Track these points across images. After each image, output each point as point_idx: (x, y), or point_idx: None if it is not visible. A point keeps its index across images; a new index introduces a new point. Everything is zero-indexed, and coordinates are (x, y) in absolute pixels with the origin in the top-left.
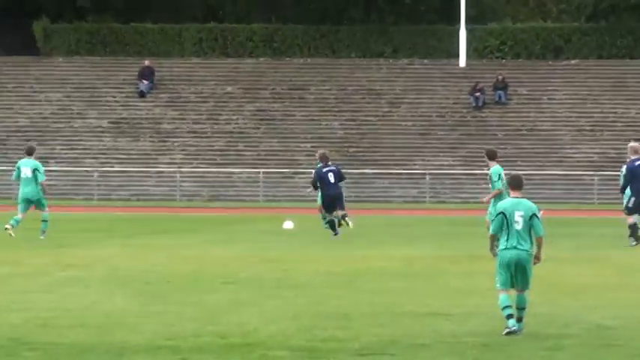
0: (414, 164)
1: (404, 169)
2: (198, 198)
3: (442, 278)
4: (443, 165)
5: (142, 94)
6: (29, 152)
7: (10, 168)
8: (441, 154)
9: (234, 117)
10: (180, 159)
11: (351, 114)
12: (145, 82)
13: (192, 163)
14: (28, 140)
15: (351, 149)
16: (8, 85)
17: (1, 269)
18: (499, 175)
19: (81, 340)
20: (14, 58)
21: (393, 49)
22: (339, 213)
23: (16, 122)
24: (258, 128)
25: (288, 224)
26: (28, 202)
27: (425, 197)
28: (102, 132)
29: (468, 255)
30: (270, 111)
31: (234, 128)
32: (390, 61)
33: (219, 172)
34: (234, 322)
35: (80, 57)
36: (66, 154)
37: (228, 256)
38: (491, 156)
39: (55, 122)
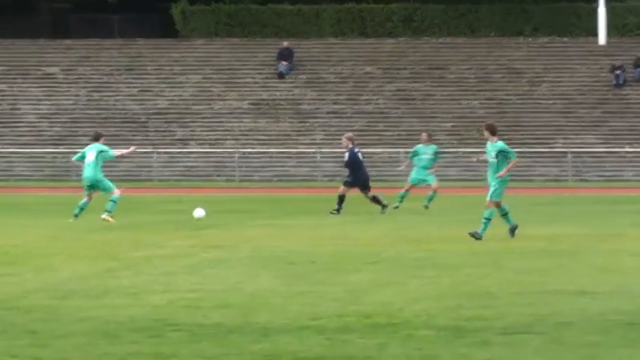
0: (555, 143)
1: (545, 148)
2: (339, 178)
3: (586, 256)
4: (584, 143)
5: (281, 76)
6: (96, 138)
7: (151, 150)
8: (583, 132)
9: (374, 97)
10: (321, 139)
11: (491, 93)
12: (284, 63)
13: (332, 144)
14: (169, 122)
15: None
16: (148, 67)
17: (144, 251)
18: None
19: (225, 320)
20: (154, 41)
21: (533, 27)
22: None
23: (156, 104)
24: (398, 108)
25: (199, 212)
26: (89, 187)
27: (567, 176)
28: (242, 113)
29: (611, 233)
30: (410, 91)
31: (374, 108)
32: (530, 39)
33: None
34: (378, 302)
35: (219, 39)
36: (207, 135)
37: (370, 236)
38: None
39: (195, 104)
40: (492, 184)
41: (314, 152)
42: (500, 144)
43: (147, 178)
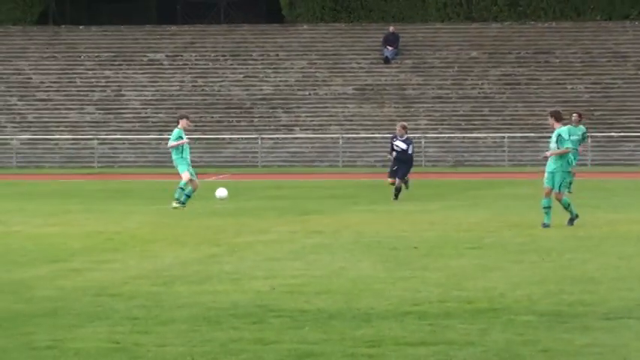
0: None
1: None
2: (443, 163)
3: None
4: None
5: (386, 60)
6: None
7: (256, 136)
8: None
9: (479, 82)
10: (425, 124)
11: (597, 77)
12: (390, 48)
13: (437, 129)
14: (273, 108)
15: (597, 112)
16: (253, 53)
17: (247, 237)
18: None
19: (327, 306)
20: (259, 27)
21: (639, 11)
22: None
23: (261, 90)
24: (503, 93)
25: (222, 192)
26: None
27: None
28: (347, 99)
29: None
30: (516, 75)
31: (479, 93)
32: (636, 23)
33: (464, 138)
34: (480, 288)
35: (324, 24)
36: (311, 121)
37: (473, 221)
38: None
39: (299, 90)
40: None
41: (418, 137)
42: (569, 128)
43: (251, 164)
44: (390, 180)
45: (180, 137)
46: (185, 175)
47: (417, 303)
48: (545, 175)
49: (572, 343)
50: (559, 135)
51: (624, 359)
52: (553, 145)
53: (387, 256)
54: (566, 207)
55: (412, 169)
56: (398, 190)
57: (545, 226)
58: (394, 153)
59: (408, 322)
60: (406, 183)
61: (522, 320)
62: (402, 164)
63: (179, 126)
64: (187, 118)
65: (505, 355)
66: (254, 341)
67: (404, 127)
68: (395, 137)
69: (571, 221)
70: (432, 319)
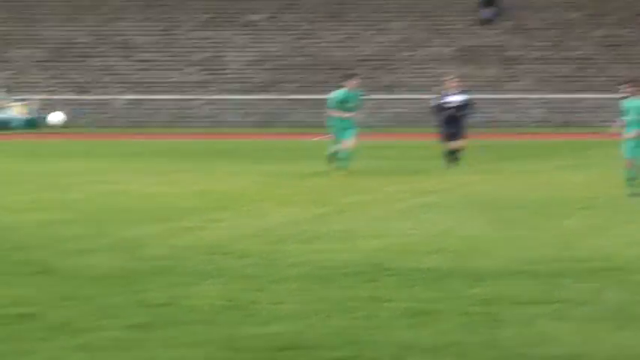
0: None
1: None
2: (547, 124)
3: None
4: None
5: (486, 22)
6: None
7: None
8: None
9: (580, 43)
10: (527, 85)
11: None
12: (489, 9)
13: (539, 90)
14: (374, 69)
15: None
16: (352, 14)
17: (356, 197)
18: None
19: (438, 265)
20: None
21: None
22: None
23: (362, 51)
24: (605, 55)
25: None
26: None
27: None
28: (447, 60)
29: None
30: (617, 37)
31: (580, 55)
32: None
33: (566, 99)
34: (592, 247)
35: None
36: (411, 82)
37: (582, 181)
38: None
39: (399, 51)
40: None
41: (520, 98)
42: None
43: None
44: (451, 145)
45: (346, 99)
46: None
47: (530, 262)
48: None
49: None
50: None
51: None
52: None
53: (497, 215)
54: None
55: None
56: (456, 152)
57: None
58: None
59: (521, 280)
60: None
61: (636, 279)
62: (455, 123)
63: (348, 87)
64: (355, 77)
65: (620, 314)
66: (368, 299)
67: (455, 80)
68: (445, 94)
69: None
70: (544, 278)
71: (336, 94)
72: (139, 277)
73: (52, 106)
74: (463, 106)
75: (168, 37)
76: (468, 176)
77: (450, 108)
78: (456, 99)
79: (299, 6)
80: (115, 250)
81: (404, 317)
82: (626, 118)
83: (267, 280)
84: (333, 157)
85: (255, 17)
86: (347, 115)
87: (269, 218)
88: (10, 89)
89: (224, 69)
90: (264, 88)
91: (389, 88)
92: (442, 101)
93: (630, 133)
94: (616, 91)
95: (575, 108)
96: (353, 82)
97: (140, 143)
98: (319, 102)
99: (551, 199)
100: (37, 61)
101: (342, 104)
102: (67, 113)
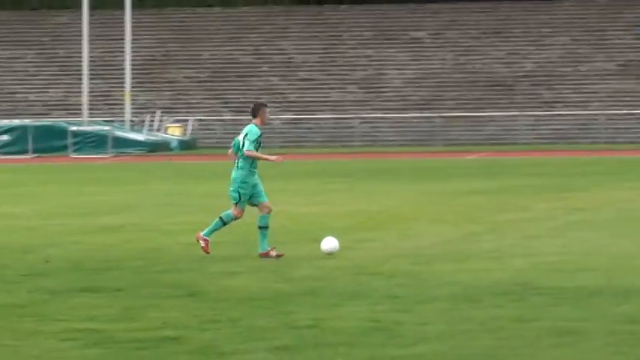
0: None
1: None
2: None
3: None
4: None
5: None
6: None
7: (517, 113)
8: None
9: None
10: None
11: None
12: None
13: None
14: (535, 85)
15: None
16: (515, 30)
17: (508, 215)
18: None
19: (587, 283)
20: (521, 4)
21: None
22: None
23: (523, 67)
24: None
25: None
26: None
27: None
28: (609, 75)
29: None
30: None
31: None
32: None
33: None
34: None
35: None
36: (573, 97)
37: None
38: None
39: (561, 66)
40: None
41: None
42: None
43: (512, 142)
44: None
45: None
46: None
47: None
48: None
49: None
50: None
51: None
52: None
53: None
54: None
55: None
56: None
57: None
58: None
59: None
60: None
61: None
62: None
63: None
64: None
65: None
66: (514, 319)
67: None
68: None
69: None
70: None
71: None
72: (285, 299)
73: (209, 127)
74: None
75: (329, 56)
76: (623, 192)
77: None
78: None
79: (461, 22)
80: (263, 272)
81: (549, 337)
82: None
83: (413, 301)
84: None
85: (417, 34)
86: None
87: (420, 238)
88: (166, 111)
89: (384, 87)
90: (423, 105)
91: (549, 104)
92: None
93: None
94: None
95: None
96: None
97: (296, 163)
98: (478, 119)
99: None
100: (198, 82)
101: None
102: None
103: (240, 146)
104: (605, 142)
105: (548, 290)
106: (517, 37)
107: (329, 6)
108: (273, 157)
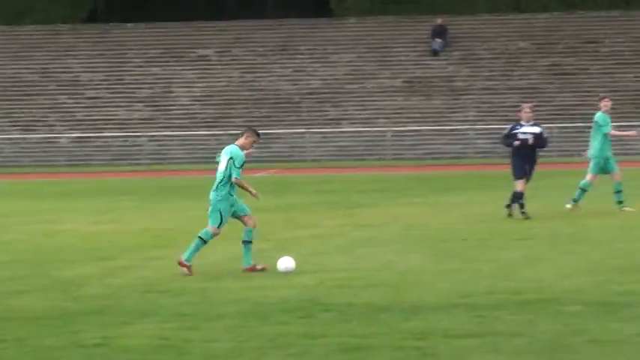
0: None
1: None
2: (492, 155)
3: None
4: None
5: (435, 53)
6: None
7: (304, 130)
8: None
9: (528, 72)
10: (473, 116)
11: None
12: (438, 40)
13: (485, 121)
14: (321, 102)
15: None
16: (301, 47)
17: (296, 232)
18: None
19: (375, 300)
20: (307, 21)
21: None
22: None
23: (309, 85)
24: (552, 83)
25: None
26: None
27: None
28: (395, 91)
29: None
30: (564, 65)
31: (527, 84)
32: None
33: None
34: (529, 279)
35: (373, 17)
36: (359, 114)
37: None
38: None
39: (347, 83)
40: None
41: (467, 129)
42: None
43: (300, 159)
44: (520, 183)
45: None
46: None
47: (466, 295)
48: None
49: (621, 332)
50: None
51: None
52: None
53: (435, 248)
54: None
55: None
56: (520, 197)
57: None
58: (517, 142)
59: (456, 314)
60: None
61: (571, 310)
62: (528, 160)
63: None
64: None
65: (553, 345)
66: (302, 335)
67: (532, 110)
68: (518, 125)
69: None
70: (480, 310)
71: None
72: (73, 318)
73: None
74: (538, 138)
75: (116, 74)
76: (410, 208)
77: (524, 140)
78: (532, 130)
79: (247, 40)
80: (51, 291)
81: (337, 353)
82: None
83: (202, 318)
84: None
85: (204, 52)
86: None
87: (208, 255)
88: None
89: (171, 105)
90: (210, 123)
91: (335, 122)
92: (516, 131)
93: None
94: (563, 121)
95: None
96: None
97: (83, 181)
98: (266, 136)
99: (491, 231)
100: None
101: None
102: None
103: (225, 168)
104: (392, 159)
105: (337, 306)
106: (303, 54)
107: (115, 24)
108: (254, 192)
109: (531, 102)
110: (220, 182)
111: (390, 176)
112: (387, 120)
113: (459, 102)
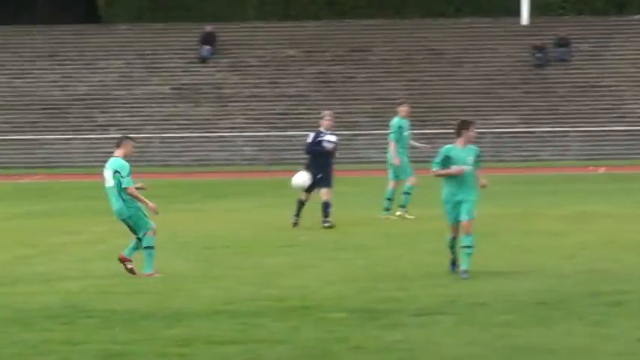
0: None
1: None
2: (258, 162)
3: (501, 237)
4: (504, 123)
5: (203, 60)
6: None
7: (72, 137)
8: (503, 112)
9: (295, 80)
10: (241, 123)
11: (413, 75)
12: (207, 47)
13: (252, 127)
14: (90, 109)
15: (413, 110)
16: (70, 53)
17: (61, 238)
18: None
19: (138, 306)
20: (76, 27)
21: (455, 7)
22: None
23: (77, 91)
24: (319, 91)
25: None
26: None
27: (486, 156)
28: (163, 98)
29: (527, 213)
30: (331, 74)
31: (295, 92)
32: (452, 20)
33: (279, 136)
34: (292, 285)
35: (142, 24)
36: (127, 121)
37: (287, 220)
38: None
39: (116, 90)
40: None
41: (234, 136)
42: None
43: (68, 165)
44: (305, 194)
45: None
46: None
47: (229, 302)
48: None
49: (383, 339)
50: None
51: (435, 355)
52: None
53: (200, 255)
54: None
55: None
56: (328, 207)
57: None
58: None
59: (219, 321)
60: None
61: (334, 317)
62: (326, 168)
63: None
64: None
65: (315, 352)
66: (63, 342)
67: (333, 118)
68: (321, 132)
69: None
70: (243, 317)
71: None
72: None
73: None
74: (334, 149)
75: None
76: (175, 215)
77: (325, 149)
78: (331, 139)
79: (17, 45)
80: None
81: (98, 359)
82: None
83: None
84: None
85: None
86: None
87: None
88: None
89: None
90: None
91: (103, 128)
92: (321, 139)
93: None
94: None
95: (285, 145)
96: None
97: None
98: (33, 142)
99: (255, 238)
100: None
101: None
102: None
103: (114, 183)
104: (160, 165)
105: (99, 313)
106: (71, 60)
107: None
108: (152, 204)
109: (330, 110)
110: (121, 196)
111: (157, 182)
112: (155, 127)
113: (227, 109)
